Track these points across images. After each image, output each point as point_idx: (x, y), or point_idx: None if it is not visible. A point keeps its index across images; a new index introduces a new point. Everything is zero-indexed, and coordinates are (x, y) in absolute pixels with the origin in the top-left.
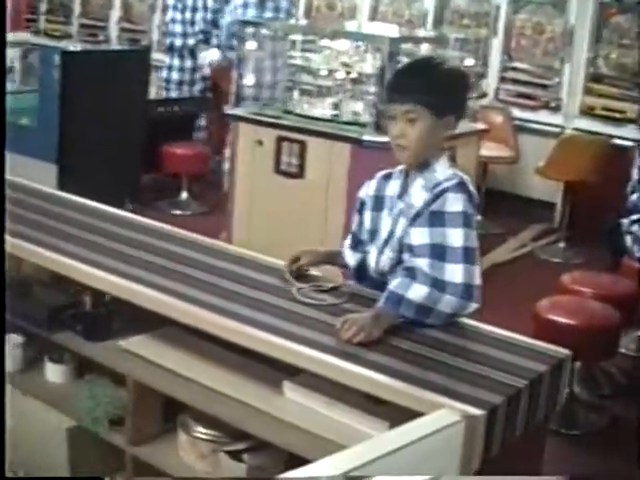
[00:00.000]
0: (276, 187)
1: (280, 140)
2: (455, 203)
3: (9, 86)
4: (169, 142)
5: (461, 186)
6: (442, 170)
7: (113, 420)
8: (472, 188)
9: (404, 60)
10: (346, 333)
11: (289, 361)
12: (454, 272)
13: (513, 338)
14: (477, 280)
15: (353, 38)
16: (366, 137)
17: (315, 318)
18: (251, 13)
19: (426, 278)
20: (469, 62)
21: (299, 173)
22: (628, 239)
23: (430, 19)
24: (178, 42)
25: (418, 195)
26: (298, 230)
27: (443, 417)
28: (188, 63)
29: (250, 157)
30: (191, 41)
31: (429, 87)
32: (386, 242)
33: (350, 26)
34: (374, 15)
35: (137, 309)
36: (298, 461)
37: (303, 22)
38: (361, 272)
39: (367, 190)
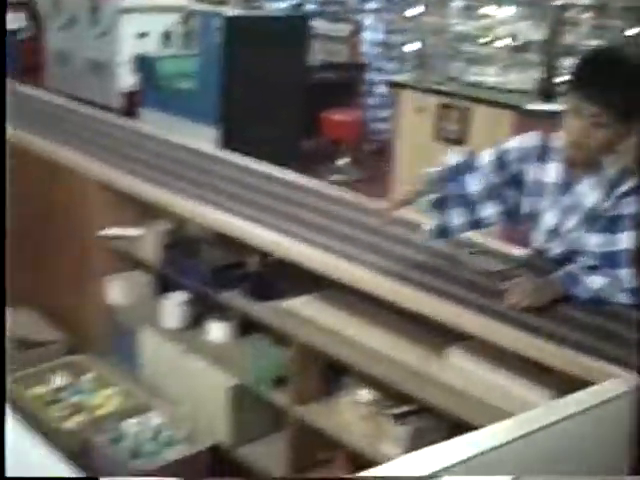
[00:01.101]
0: (437, 154)
1: (442, 107)
2: (633, 206)
3: (169, 51)
4: (329, 108)
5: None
6: (615, 169)
7: (276, 380)
8: None
9: (567, 29)
10: (513, 297)
11: (455, 325)
12: (628, 275)
13: None
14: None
15: (517, 5)
16: (530, 106)
17: (480, 283)
18: None
19: (605, 274)
20: (632, 31)
21: (460, 140)
22: None
23: None
24: None
25: (590, 195)
26: None
27: (612, 387)
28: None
29: (411, 124)
30: None
31: (626, 93)
32: (552, 234)
33: None
34: None
35: (301, 270)
36: (460, 426)
37: None
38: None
39: (522, 170)
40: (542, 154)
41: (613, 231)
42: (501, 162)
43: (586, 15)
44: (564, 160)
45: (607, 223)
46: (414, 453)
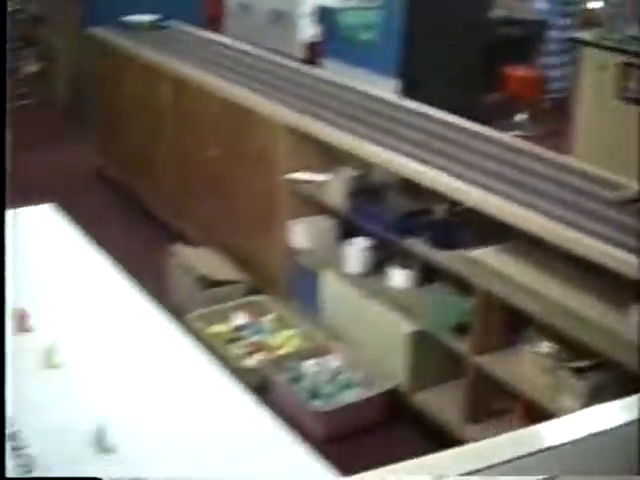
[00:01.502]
0: (619, 113)
1: (625, 66)
2: None
3: (350, 3)
4: (508, 64)
5: None
6: None
7: (457, 328)
8: None
9: None
10: None
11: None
12: None
13: None
14: None
15: None
16: None
17: None
18: None
19: None
20: None
21: None
22: None
23: None
24: None
25: None
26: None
27: None
28: None
29: (593, 82)
30: None
31: None
32: None
33: None
34: None
35: (487, 220)
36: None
37: None
38: None
39: None
40: None
41: None
42: None
43: None
44: None
45: None
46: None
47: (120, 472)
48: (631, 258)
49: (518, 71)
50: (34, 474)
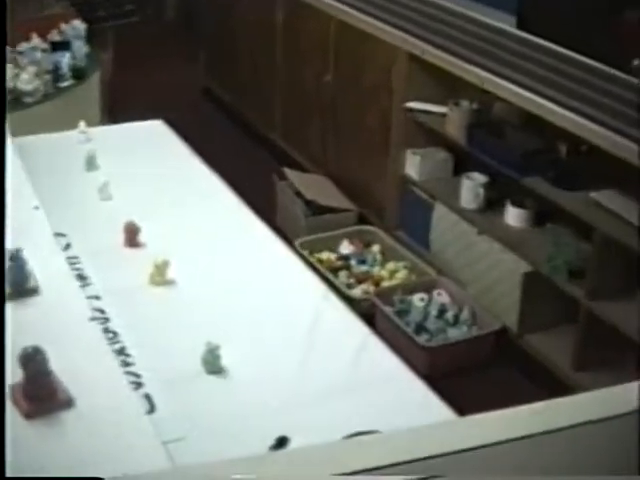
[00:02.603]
0: None
1: None
2: None
3: None
4: None
5: None
6: None
7: (573, 271)
8: None
9: None
10: None
11: None
12: None
13: None
14: None
15: None
16: None
17: None
18: None
19: None
20: None
21: None
22: None
23: None
24: None
25: None
26: None
27: None
28: None
29: None
30: None
31: None
32: None
33: None
34: None
35: (610, 162)
36: None
37: None
38: None
39: None
40: None
41: None
42: None
43: None
44: None
45: None
46: None
47: (228, 394)
48: None
49: None
50: (143, 390)
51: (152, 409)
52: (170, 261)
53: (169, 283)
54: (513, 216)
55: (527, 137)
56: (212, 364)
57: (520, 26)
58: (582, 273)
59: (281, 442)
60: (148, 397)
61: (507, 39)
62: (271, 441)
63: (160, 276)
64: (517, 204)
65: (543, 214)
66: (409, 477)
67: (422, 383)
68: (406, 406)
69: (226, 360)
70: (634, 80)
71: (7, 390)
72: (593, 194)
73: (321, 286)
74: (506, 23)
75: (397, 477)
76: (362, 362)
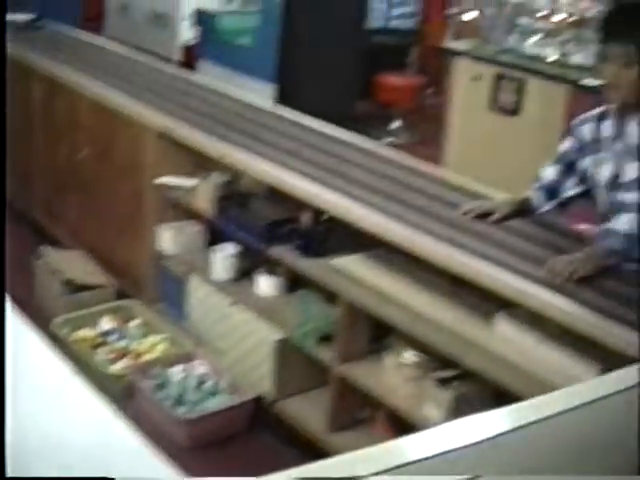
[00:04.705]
0: (491, 123)
1: (498, 77)
2: None
3: (229, 7)
4: (384, 71)
5: None
6: None
7: (321, 336)
8: None
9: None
10: (556, 267)
11: (500, 292)
12: None
13: None
14: None
15: None
16: (585, 80)
17: (528, 251)
18: None
19: (631, 208)
20: None
21: (515, 111)
22: None
23: None
24: None
25: (636, 134)
26: (510, 167)
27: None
28: None
29: (466, 92)
30: None
31: None
32: (610, 184)
33: None
34: None
35: (352, 229)
36: (504, 395)
37: None
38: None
39: (584, 134)
40: (600, 117)
41: None
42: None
43: None
44: (613, 109)
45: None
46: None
47: None
48: (491, 268)
49: (393, 79)
50: None
51: None
52: None
53: None
54: (264, 285)
55: (274, 208)
56: None
57: (280, 95)
58: (331, 338)
59: None
60: None
61: (258, 113)
62: None
63: None
64: (268, 273)
65: (294, 281)
66: None
67: (170, 456)
68: None
69: None
70: (380, 149)
71: None
72: (335, 260)
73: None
74: (265, 91)
75: None
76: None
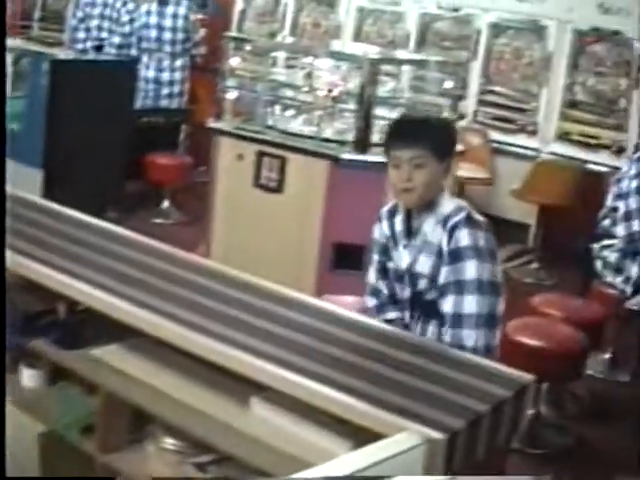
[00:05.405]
0: (255, 201)
1: (260, 155)
2: (465, 238)
3: None
4: (153, 152)
5: (468, 220)
6: (447, 204)
7: (84, 427)
8: (478, 216)
9: (384, 80)
10: None
11: (254, 378)
12: (471, 304)
13: (477, 361)
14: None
15: (335, 57)
16: (345, 155)
17: (283, 336)
18: None
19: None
20: (448, 84)
21: (278, 188)
22: (598, 264)
23: (413, 41)
24: None
25: (434, 232)
26: (275, 244)
27: (404, 440)
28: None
29: (230, 171)
30: None
31: (434, 135)
32: (406, 277)
33: (333, 45)
34: (358, 35)
35: (110, 319)
36: (264, 475)
37: (288, 40)
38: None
39: (382, 232)
40: (392, 212)
41: (450, 262)
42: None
43: (405, 67)
44: (404, 208)
45: (447, 256)
46: None
47: None
48: (245, 356)
49: (162, 159)
50: None
51: None
52: None
53: None
54: (27, 377)
55: (31, 300)
56: None
57: (47, 179)
58: (93, 428)
59: None
60: None
61: (19, 205)
62: None
63: None
64: (30, 365)
65: (55, 373)
66: None
67: None
68: None
69: None
70: (141, 239)
71: None
72: (94, 351)
73: None
74: (34, 177)
75: None
76: None
